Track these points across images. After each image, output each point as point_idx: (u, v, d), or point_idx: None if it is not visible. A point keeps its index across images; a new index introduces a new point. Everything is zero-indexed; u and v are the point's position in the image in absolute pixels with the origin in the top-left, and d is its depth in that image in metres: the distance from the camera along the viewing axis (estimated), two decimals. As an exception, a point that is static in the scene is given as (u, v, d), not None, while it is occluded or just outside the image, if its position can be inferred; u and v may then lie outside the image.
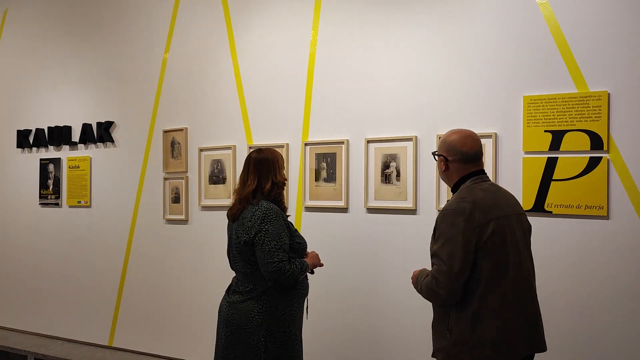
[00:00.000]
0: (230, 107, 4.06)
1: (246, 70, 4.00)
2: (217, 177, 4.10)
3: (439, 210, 3.21)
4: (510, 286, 2.11)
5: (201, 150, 4.17)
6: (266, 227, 2.49)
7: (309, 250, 2.81)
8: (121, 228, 4.61)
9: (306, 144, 3.71)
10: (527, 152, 3.00)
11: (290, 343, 2.57)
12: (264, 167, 2.64)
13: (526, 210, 2.98)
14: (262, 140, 3.91)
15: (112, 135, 4.69)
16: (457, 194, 2.23)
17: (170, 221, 4.34)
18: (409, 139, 3.33)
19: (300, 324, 2.70)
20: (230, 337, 2.56)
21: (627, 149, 2.76)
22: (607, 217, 2.80)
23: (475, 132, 3.06)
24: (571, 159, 2.89)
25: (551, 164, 2.93)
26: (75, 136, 4.91)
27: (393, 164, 3.39)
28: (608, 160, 2.80)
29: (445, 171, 2.32)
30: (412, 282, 2.35)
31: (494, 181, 3.06)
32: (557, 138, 2.92)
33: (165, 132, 4.37)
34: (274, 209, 2.54)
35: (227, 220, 2.77)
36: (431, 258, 2.21)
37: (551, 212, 2.93)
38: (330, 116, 3.65)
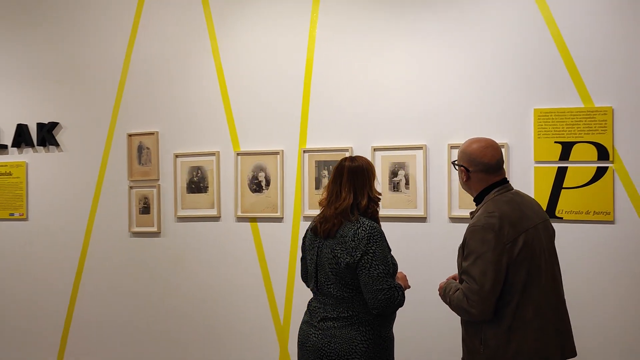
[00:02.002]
0: (212, 110, 3.78)
1: (231, 70, 3.75)
2: (197, 185, 3.79)
3: (450, 218, 3.31)
4: (543, 296, 2.14)
5: (177, 156, 3.83)
6: (373, 248, 2.22)
7: None
8: (70, 244, 4.07)
9: (305, 151, 3.57)
10: (537, 162, 3.18)
11: None
12: (360, 178, 2.35)
13: (538, 217, 3.17)
14: (252, 146, 3.69)
15: (56, 138, 4.12)
16: (483, 208, 2.23)
17: (137, 234, 3.92)
18: (418, 148, 3.35)
19: None
20: None
21: (630, 159, 3.04)
22: (613, 222, 3.06)
23: (487, 142, 3.22)
24: (580, 169, 3.12)
25: (561, 173, 3.14)
26: (6, 138, 4.24)
27: (402, 172, 3.39)
28: (613, 170, 3.06)
29: (466, 182, 2.33)
30: (439, 294, 2.36)
31: (506, 189, 3.20)
32: (566, 149, 3.14)
33: (130, 135, 3.94)
34: (378, 228, 2.29)
35: (308, 234, 2.47)
36: (460, 274, 2.22)
37: (562, 218, 3.14)
38: (330, 123, 3.55)
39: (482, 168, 2.26)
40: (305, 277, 2.59)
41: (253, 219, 3.68)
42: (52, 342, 4.11)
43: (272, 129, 3.66)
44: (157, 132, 3.88)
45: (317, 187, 3.55)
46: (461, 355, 2.34)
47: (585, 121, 3.11)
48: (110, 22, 4.04)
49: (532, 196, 3.17)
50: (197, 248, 3.80)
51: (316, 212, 3.47)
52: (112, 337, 3.98)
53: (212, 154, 3.75)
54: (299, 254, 3.52)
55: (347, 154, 3.48)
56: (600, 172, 3.08)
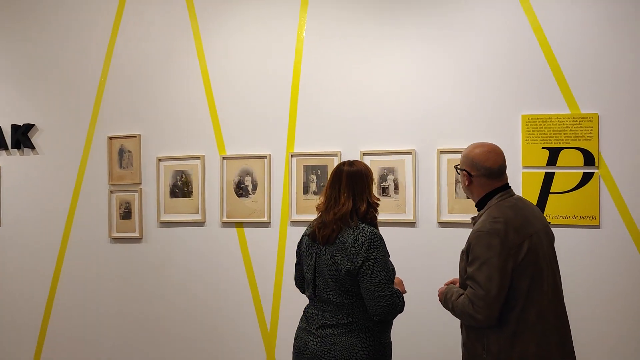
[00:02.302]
0: (197, 113, 3.70)
1: (217, 72, 3.68)
2: (180, 189, 3.70)
3: (439, 223, 3.32)
4: (546, 301, 2.15)
5: (160, 159, 3.74)
6: (374, 254, 2.18)
7: None
8: (46, 250, 3.93)
9: (292, 155, 3.53)
10: (525, 167, 3.21)
11: None
12: (359, 184, 2.30)
13: (525, 222, 3.21)
14: (238, 150, 3.63)
15: (32, 140, 3.97)
16: (487, 213, 2.23)
17: (118, 240, 3.81)
18: (408, 153, 3.35)
19: None
20: None
21: (615, 165, 3.10)
22: (598, 227, 3.11)
23: (475, 147, 3.24)
24: (566, 174, 3.16)
25: (549, 178, 3.18)
26: (-23, 140, 4.08)
27: (391, 177, 3.39)
28: (599, 175, 3.12)
29: (468, 186, 2.33)
30: (439, 299, 2.36)
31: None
32: (553, 155, 3.18)
33: (111, 138, 3.83)
34: (378, 234, 2.26)
35: (305, 240, 2.42)
36: (465, 280, 2.22)
37: (549, 222, 3.17)
38: (318, 126, 3.52)
39: (484, 173, 2.26)
40: (300, 284, 2.55)
41: (239, 224, 3.62)
42: (26, 354, 3.95)
43: (259, 132, 3.60)
44: (140, 135, 3.78)
45: (305, 192, 3.51)
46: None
47: (571, 127, 3.16)
48: (90, 20, 3.92)
49: (521, 201, 3.21)
50: (181, 254, 3.71)
51: (304, 217, 3.48)
52: (90, 348, 3.85)
53: (197, 157, 3.68)
54: (287, 260, 3.49)
55: (336, 159, 3.46)
56: (586, 178, 3.13)
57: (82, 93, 3.90)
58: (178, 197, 3.71)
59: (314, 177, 3.51)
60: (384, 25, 3.44)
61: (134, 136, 3.78)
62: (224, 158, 3.63)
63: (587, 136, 3.14)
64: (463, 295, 2.19)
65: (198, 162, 3.68)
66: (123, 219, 3.78)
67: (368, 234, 2.22)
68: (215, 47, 3.70)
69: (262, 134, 3.60)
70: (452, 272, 3.25)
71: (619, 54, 3.11)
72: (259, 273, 3.58)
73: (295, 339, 2.40)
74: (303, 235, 2.47)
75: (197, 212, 3.67)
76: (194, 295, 3.68)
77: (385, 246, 2.27)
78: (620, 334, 3.07)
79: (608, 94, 3.13)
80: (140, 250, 3.77)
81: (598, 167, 3.12)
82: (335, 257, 2.24)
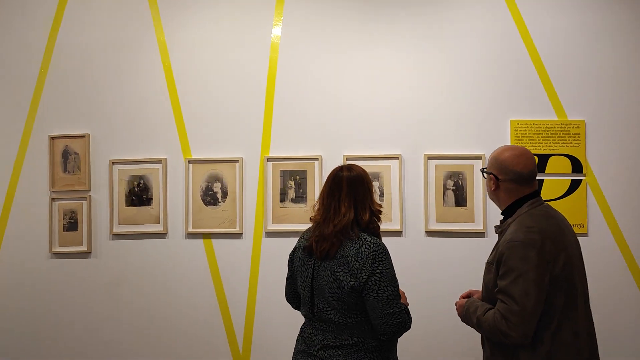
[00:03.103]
0: (157, 111, 3.30)
1: (181, 68, 3.31)
2: (138, 197, 3.27)
3: (427, 232, 3.15)
4: (580, 319, 2.02)
5: (114, 163, 3.29)
6: (380, 268, 1.96)
7: None
8: (-31, 267, 3.33)
9: (268, 159, 3.22)
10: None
11: None
12: (360, 190, 2.07)
13: (515, 230, 3.12)
14: (205, 153, 3.27)
15: (-49, 138, 3.38)
16: (518, 222, 2.07)
17: (60, 255, 3.30)
18: (394, 158, 3.16)
19: None
20: None
21: (601, 173, 3.10)
22: (586, 234, 3.09)
23: (464, 152, 3.14)
24: (555, 181, 3.11)
25: (538, 185, 3.11)
26: None
27: (375, 183, 3.18)
28: (586, 183, 3.09)
29: (494, 191, 2.16)
30: (459, 313, 2.19)
31: (482, 200, 3.11)
32: (542, 161, 3.12)
33: (53, 138, 3.32)
34: (382, 245, 2.03)
35: (298, 253, 2.15)
36: (496, 294, 2.04)
37: (539, 231, 3.11)
38: (297, 129, 3.24)
39: (513, 177, 2.09)
40: (292, 299, 2.28)
41: (207, 235, 3.25)
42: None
43: (229, 133, 3.27)
44: (89, 135, 3.31)
45: (282, 200, 3.22)
46: None
47: (559, 134, 3.12)
48: (28, 2, 3.40)
49: (510, 209, 3.12)
50: (138, 270, 3.27)
51: (280, 227, 3.20)
52: (25, 380, 3.31)
53: (158, 161, 3.27)
54: (262, 275, 3.18)
55: (317, 164, 3.20)
56: (574, 185, 3.10)
57: (17, 86, 3.36)
58: (135, 205, 3.27)
59: (292, 183, 3.22)
60: (370, 22, 3.24)
61: (82, 136, 3.30)
62: (189, 162, 3.25)
63: (575, 143, 3.11)
64: (492, 310, 2.00)
65: (159, 166, 3.27)
66: (68, 230, 3.28)
67: (372, 246, 1.99)
68: (179, 38, 3.32)
69: (233, 136, 3.26)
70: (441, 284, 3.11)
71: (606, 61, 3.12)
72: (230, 289, 3.23)
73: None
74: (296, 247, 2.20)
75: (158, 223, 3.26)
76: (153, 315, 3.25)
77: (390, 258, 2.04)
78: (609, 337, 3.04)
79: (594, 101, 3.12)
80: (88, 266, 3.28)
81: (585, 175, 3.10)
82: (337, 273, 2.00)
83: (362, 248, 1.98)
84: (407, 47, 3.22)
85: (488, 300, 2.08)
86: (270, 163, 3.22)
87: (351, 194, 2.06)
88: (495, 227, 2.20)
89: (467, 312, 2.11)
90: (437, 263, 3.14)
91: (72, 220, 3.29)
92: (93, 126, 3.32)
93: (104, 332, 3.27)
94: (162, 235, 3.26)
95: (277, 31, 3.27)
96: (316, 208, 2.15)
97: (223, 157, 3.25)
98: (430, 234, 3.15)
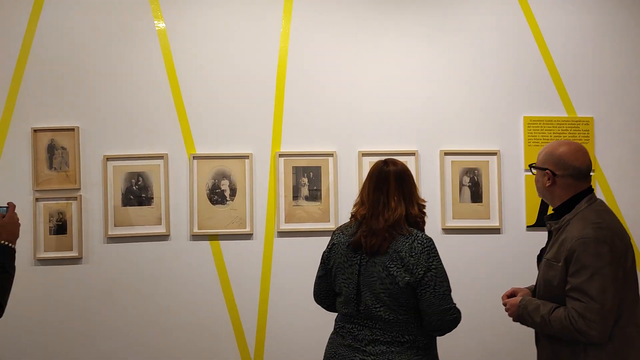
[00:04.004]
0: (157, 103, 3.03)
1: (182, 57, 3.06)
2: (137, 196, 2.99)
3: (443, 230, 3.10)
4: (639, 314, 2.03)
5: (108, 158, 2.99)
6: (434, 264, 1.94)
7: None
8: None
9: (280, 155, 3.05)
10: (528, 170, 3.15)
11: None
12: (407, 185, 2.03)
13: (529, 226, 3.15)
14: (211, 148, 3.05)
15: None
16: (581, 218, 2.03)
17: (46, 261, 2.95)
18: (410, 154, 3.09)
19: None
20: None
21: (609, 169, 3.18)
22: (595, 229, 3.15)
23: (480, 148, 3.13)
24: (566, 177, 3.16)
25: (548, 181, 3.15)
26: None
27: (392, 180, 3.08)
28: (595, 179, 3.16)
29: (550, 187, 2.12)
30: (511, 312, 2.13)
31: (498, 196, 3.11)
32: (554, 157, 3.15)
33: (36, 131, 2.97)
34: (432, 240, 2.00)
35: (339, 249, 2.05)
36: (568, 292, 1.99)
37: (551, 226, 3.14)
38: (309, 123, 3.09)
39: (571, 173, 2.05)
40: (323, 298, 2.20)
41: (213, 237, 3.02)
42: None
43: (236, 128, 3.06)
44: (78, 128, 2.98)
45: (295, 198, 3.05)
46: None
47: (570, 130, 3.17)
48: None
49: (524, 204, 3.14)
50: (136, 275, 2.99)
51: (294, 226, 3.04)
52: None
53: (159, 157, 3.01)
54: (274, 278, 3.00)
55: (331, 160, 3.07)
56: (584, 181, 3.16)
57: (-9, 71, 2.98)
58: (133, 205, 2.99)
59: (305, 180, 3.07)
60: (384, 15, 3.15)
61: (71, 129, 2.97)
62: (194, 157, 3.01)
63: (584, 139, 3.17)
64: (562, 309, 1.95)
65: (160, 162, 3.01)
66: (55, 234, 2.94)
67: (425, 241, 1.97)
68: (180, 26, 3.06)
69: (240, 130, 3.06)
70: (459, 282, 3.06)
71: (614, 59, 3.20)
72: (239, 293, 3.02)
73: (332, 356, 2.05)
74: (334, 244, 2.10)
75: (160, 224, 2.99)
76: (155, 324, 2.99)
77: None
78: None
79: (602, 98, 3.20)
80: (79, 273, 2.96)
81: (594, 171, 3.17)
82: (390, 269, 1.95)
83: (415, 243, 1.96)
84: (423, 43, 3.16)
85: (549, 298, 2.03)
86: (282, 159, 3.05)
87: (400, 188, 2.03)
88: (548, 222, 2.15)
89: (525, 310, 2.05)
90: (453, 261, 3.09)
91: (60, 222, 2.95)
92: (83, 119, 3.00)
93: (101, 344, 2.96)
94: (164, 237, 3.00)
95: (287, 19, 3.10)
96: (357, 203, 2.09)
97: (231, 153, 3.03)
98: (447, 231, 3.10)
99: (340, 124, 3.10)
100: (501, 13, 3.20)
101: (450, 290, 1.97)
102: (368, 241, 1.99)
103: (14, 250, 1.95)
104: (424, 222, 2.09)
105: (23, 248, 2.93)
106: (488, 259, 3.10)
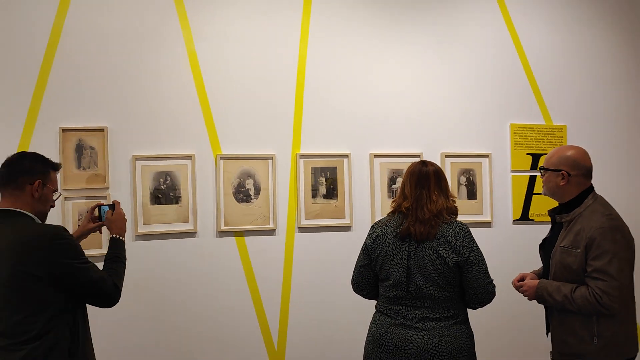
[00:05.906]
0: (184, 105, 3.16)
1: (207, 60, 3.20)
2: (164, 195, 3.11)
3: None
4: (633, 289, 2.46)
5: (137, 158, 3.08)
6: (475, 246, 2.30)
7: None
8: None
9: (300, 156, 3.28)
10: (514, 171, 3.59)
11: None
12: (443, 182, 2.38)
13: (515, 220, 3.59)
14: (236, 149, 3.22)
15: None
16: (592, 210, 2.39)
17: (76, 259, 2.99)
18: (416, 156, 3.42)
19: None
20: None
21: (578, 169, 3.69)
22: (568, 222, 3.65)
23: (473, 151, 3.53)
24: (545, 177, 3.63)
25: (532, 180, 3.60)
26: None
27: (400, 180, 3.41)
28: (568, 178, 3.66)
29: (564, 185, 2.48)
30: (529, 294, 2.48)
31: (490, 194, 3.53)
32: (535, 160, 3.61)
33: (65, 131, 3.00)
34: (468, 226, 2.36)
35: (387, 239, 2.32)
36: (591, 273, 2.34)
37: (533, 220, 3.60)
38: (326, 127, 3.35)
39: (584, 172, 2.45)
40: (363, 287, 2.46)
41: (239, 233, 3.20)
42: None
43: (260, 130, 3.26)
44: (107, 128, 3.05)
45: (313, 196, 3.30)
46: None
47: (547, 137, 3.65)
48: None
49: (511, 201, 3.57)
50: (165, 271, 3.11)
51: (313, 222, 3.32)
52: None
53: (187, 157, 3.14)
54: (295, 271, 3.23)
55: (346, 161, 3.34)
56: (559, 180, 3.65)
57: (20, 71, 2.97)
58: (161, 203, 3.10)
59: (322, 179, 3.32)
60: (397, 22, 3.48)
61: (100, 129, 3.04)
62: (220, 158, 3.18)
63: (559, 145, 3.65)
64: (584, 287, 2.32)
65: (187, 162, 3.14)
66: (84, 232, 3.00)
67: (464, 227, 2.34)
68: (205, 30, 3.21)
69: (263, 132, 3.26)
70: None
71: (586, 71, 3.73)
72: (264, 286, 3.22)
73: (386, 335, 2.30)
74: (378, 235, 2.38)
75: (188, 221, 3.13)
76: (184, 316, 3.12)
77: None
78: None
79: (574, 108, 3.71)
80: (109, 270, 3.03)
81: (567, 171, 3.66)
82: (440, 252, 2.27)
83: (457, 229, 2.30)
84: (429, 52, 3.52)
85: (568, 279, 2.40)
86: (302, 160, 3.28)
87: (438, 184, 2.37)
88: (558, 215, 2.52)
89: (545, 291, 2.41)
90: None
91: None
92: (111, 119, 3.07)
93: (129, 335, 3.05)
94: (191, 234, 3.14)
95: (306, 26, 3.34)
96: (398, 198, 2.41)
97: (255, 154, 3.23)
98: (447, 225, 3.48)
99: (354, 128, 3.38)
100: (490, 30, 3.62)
101: (487, 268, 2.31)
102: (417, 229, 2.28)
103: (124, 242, 2.09)
104: (456, 214, 2.41)
105: (51, 246, 2.97)
106: (482, 249, 3.49)
